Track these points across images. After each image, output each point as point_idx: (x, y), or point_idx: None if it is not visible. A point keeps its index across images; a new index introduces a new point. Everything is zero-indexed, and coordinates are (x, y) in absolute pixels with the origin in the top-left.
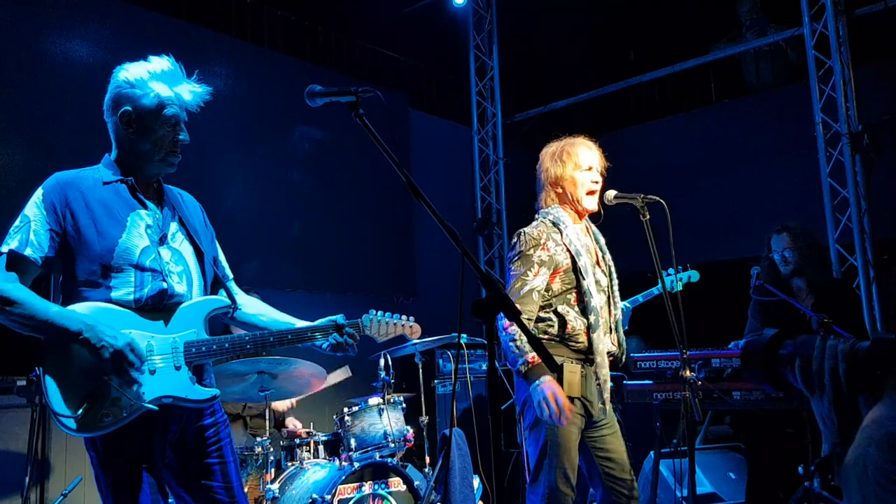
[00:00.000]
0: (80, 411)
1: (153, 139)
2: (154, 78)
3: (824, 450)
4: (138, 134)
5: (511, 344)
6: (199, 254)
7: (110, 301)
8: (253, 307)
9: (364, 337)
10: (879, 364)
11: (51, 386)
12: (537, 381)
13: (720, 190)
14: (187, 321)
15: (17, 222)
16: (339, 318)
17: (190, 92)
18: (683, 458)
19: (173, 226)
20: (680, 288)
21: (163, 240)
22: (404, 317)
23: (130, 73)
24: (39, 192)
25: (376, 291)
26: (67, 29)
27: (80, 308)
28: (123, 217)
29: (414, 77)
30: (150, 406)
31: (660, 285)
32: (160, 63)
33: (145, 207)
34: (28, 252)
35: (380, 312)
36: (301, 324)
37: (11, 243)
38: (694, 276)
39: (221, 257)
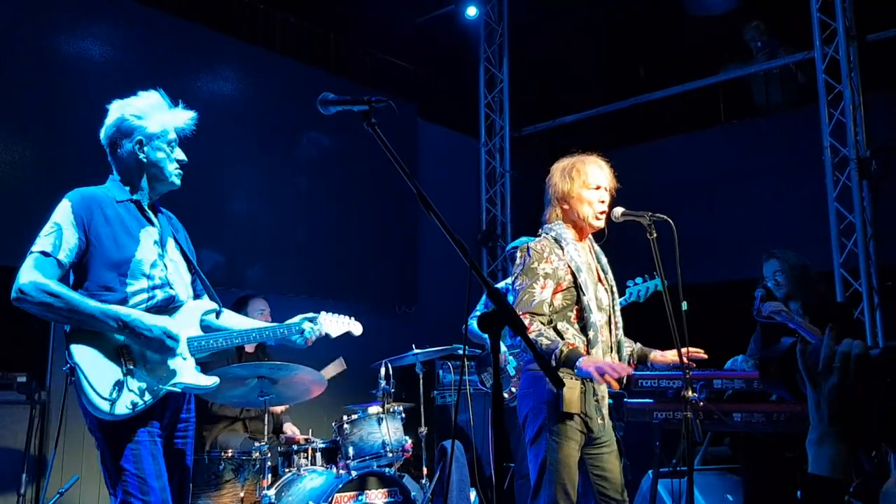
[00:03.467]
0: (114, 396)
1: (162, 160)
2: (153, 109)
3: (810, 437)
4: (149, 158)
5: (538, 340)
6: (189, 265)
7: (126, 304)
8: (227, 314)
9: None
10: (889, 371)
11: (86, 376)
12: (579, 364)
13: (726, 210)
14: (187, 321)
15: (48, 228)
16: (309, 316)
17: (182, 118)
18: (682, 479)
19: (170, 241)
20: (677, 305)
21: (164, 253)
22: (343, 316)
23: (133, 107)
24: (67, 204)
25: (378, 299)
26: (79, 28)
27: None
28: (136, 232)
29: (423, 87)
30: (172, 388)
31: (627, 296)
32: (153, 97)
33: (152, 224)
34: (60, 256)
35: (329, 312)
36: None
37: (44, 245)
38: (660, 284)
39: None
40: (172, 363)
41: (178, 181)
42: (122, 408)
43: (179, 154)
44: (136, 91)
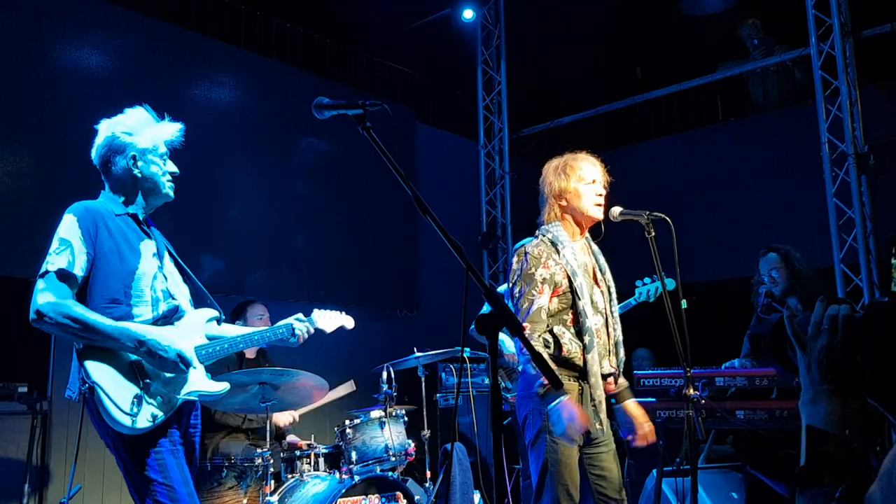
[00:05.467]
0: (135, 411)
1: (155, 174)
2: (142, 124)
3: (802, 399)
4: (144, 172)
5: (529, 365)
6: (184, 274)
7: (131, 317)
8: (223, 325)
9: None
10: (874, 327)
11: (106, 393)
12: (555, 402)
13: (725, 208)
14: (192, 330)
15: (56, 245)
16: (299, 316)
17: (170, 130)
18: (686, 477)
19: (166, 253)
20: (676, 304)
21: (162, 265)
22: (335, 311)
23: (122, 124)
24: (73, 218)
25: (379, 304)
26: (77, 37)
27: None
28: (137, 246)
29: (421, 91)
30: (188, 397)
31: (637, 296)
32: (140, 113)
33: (149, 237)
34: (76, 272)
35: (323, 310)
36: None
37: (59, 263)
38: (668, 284)
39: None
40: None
41: (171, 193)
42: (144, 421)
43: (171, 166)
44: (136, 100)
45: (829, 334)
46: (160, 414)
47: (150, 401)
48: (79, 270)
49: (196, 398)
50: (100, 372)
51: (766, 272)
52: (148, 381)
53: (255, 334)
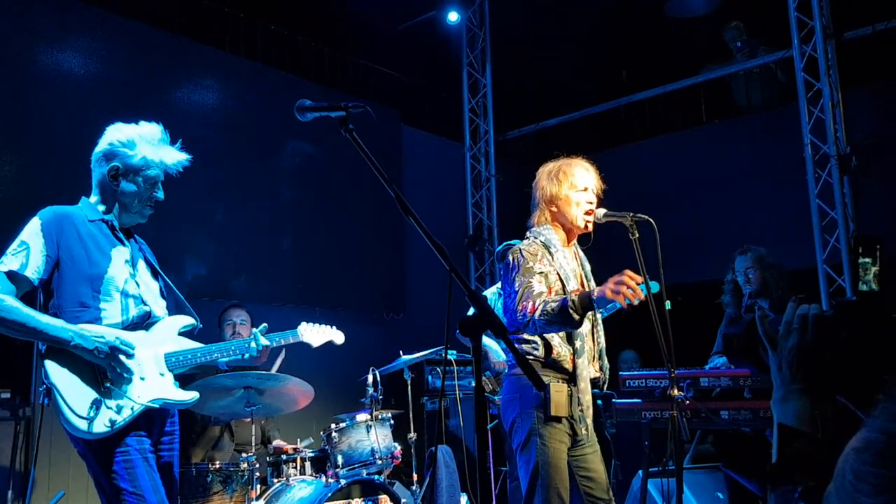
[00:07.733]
0: (91, 415)
1: (133, 193)
2: (143, 141)
3: (774, 398)
4: (121, 187)
5: (546, 308)
6: (163, 281)
7: (99, 320)
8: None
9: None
10: (842, 326)
11: (62, 395)
12: (593, 298)
13: (709, 209)
14: (164, 337)
15: (14, 247)
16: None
17: (172, 157)
18: (672, 478)
19: (141, 262)
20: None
21: (135, 272)
22: (325, 326)
23: (123, 133)
24: (37, 222)
25: (365, 307)
26: (60, 41)
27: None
28: (108, 250)
29: (407, 93)
30: (150, 404)
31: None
32: (150, 128)
33: (123, 244)
34: (28, 273)
35: (311, 324)
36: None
37: (12, 264)
38: (652, 287)
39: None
40: (150, 379)
41: (143, 219)
42: (101, 426)
43: (157, 191)
44: (120, 104)
45: (799, 334)
46: (119, 419)
47: (110, 406)
48: (32, 273)
49: (159, 405)
50: (58, 372)
51: (741, 269)
52: (109, 385)
53: (231, 343)
